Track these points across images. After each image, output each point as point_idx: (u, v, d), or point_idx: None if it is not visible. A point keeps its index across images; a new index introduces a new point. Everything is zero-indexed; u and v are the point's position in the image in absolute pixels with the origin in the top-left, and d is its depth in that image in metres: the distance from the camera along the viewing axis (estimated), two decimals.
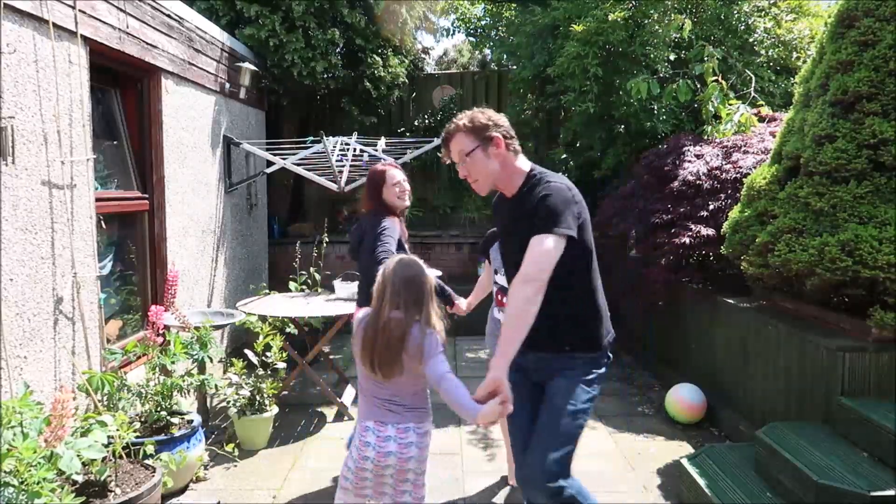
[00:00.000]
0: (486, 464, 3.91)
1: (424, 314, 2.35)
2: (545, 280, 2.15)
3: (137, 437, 3.15)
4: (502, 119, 2.43)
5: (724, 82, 5.49)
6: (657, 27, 6.02)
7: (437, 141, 6.31)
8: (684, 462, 3.48)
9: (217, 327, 4.39)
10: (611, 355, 2.50)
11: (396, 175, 3.52)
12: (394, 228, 3.39)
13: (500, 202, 2.57)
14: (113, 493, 2.82)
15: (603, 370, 2.47)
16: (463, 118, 2.42)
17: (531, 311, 2.14)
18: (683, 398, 4.56)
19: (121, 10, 4.00)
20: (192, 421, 3.59)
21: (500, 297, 3.45)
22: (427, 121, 8.90)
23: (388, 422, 2.38)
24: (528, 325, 2.14)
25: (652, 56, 6.05)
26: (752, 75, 5.90)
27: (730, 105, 5.41)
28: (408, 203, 3.58)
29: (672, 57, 6.09)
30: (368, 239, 3.37)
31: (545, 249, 2.17)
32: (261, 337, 4.24)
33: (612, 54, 6.19)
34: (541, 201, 2.26)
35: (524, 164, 2.44)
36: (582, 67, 6.05)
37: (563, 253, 2.19)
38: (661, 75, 5.90)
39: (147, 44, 4.33)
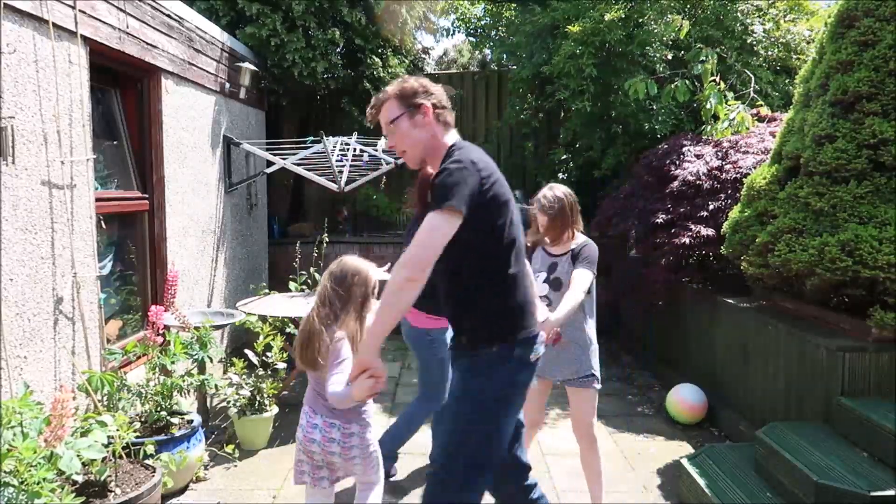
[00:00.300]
0: None
1: (343, 317, 2.41)
2: (424, 264, 1.96)
3: (137, 437, 3.15)
4: (435, 87, 2.24)
5: (722, 83, 5.50)
6: (654, 27, 6.02)
7: None
8: (684, 462, 3.48)
9: (217, 327, 4.39)
10: (529, 354, 2.25)
11: None
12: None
13: (422, 182, 2.48)
14: (113, 493, 2.82)
15: (513, 367, 2.22)
16: (393, 84, 2.25)
17: (403, 298, 1.98)
18: (684, 398, 4.56)
19: (121, 10, 4.00)
20: (192, 421, 3.59)
21: None
22: None
23: (318, 412, 2.49)
24: (400, 312, 2.02)
25: (649, 56, 6.05)
26: (751, 75, 5.90)
27: (728, 105, 5.41)
28: None
29: (670, 57, 6.10)
30: None
31: (427, 227, 1.98)
32: (261, 337, 4.24)
33: (609, 54, 6.20)
34: (437, 176, 2.07)
35: (451, 138, 2.24)
36: (577, 67, 6.06)
37: (469, 237, 2.03)
38: (659, 75, 5.89)
39: (147, 44, 4.33)
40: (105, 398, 3.29)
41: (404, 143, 2.23)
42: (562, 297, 2.94)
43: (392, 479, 3.70)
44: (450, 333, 3.33)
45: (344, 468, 2.56)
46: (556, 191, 3.12)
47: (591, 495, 3.20)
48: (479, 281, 2.20)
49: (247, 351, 4.29)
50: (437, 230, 1.97)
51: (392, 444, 3.64)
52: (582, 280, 2.94)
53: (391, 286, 1.98)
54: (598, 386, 3.11)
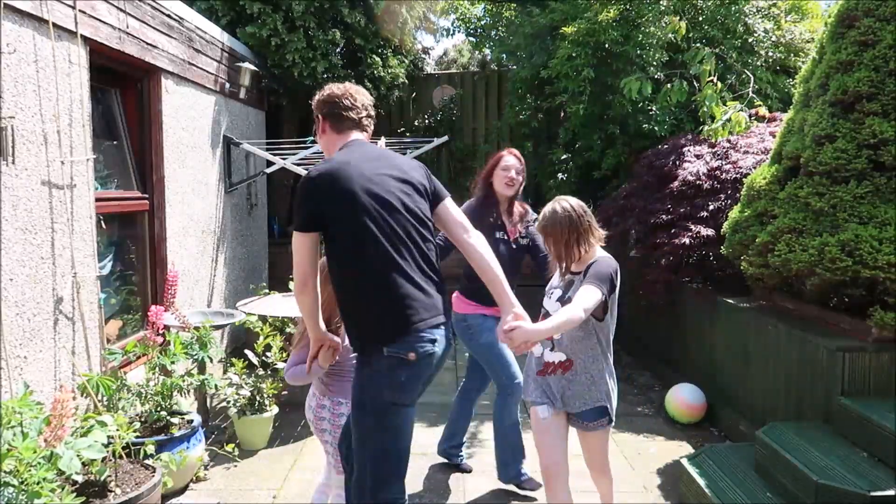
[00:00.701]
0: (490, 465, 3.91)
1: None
2: (301, 275, 2.29)
3: (137, 437, 3.14)
4: (335, 97, 2.41)
5: (720, 83, 5.49)
6: (652, 28, 6.02)
7: (437, 140, 6.32)
8: (684, 462, 3.48)
9: (217, 327, 4.39)
10: (404, 353, 2.19)
11: (509, 161, 3.45)
12: (469, 207, 3.36)
13: None
14: (113, 493, 2.82)
15: (391, 367, 2.18)
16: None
17: (301, 306, 2.36)
18: (683, 398, 4.56)
19: (121, 10, 4.00)
20: (192, 421, 3.59)
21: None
22: (427, 121, 8.90)
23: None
24: (304, 316, 2.38)
25: (646, 57, 6.05)
26: (750, 76, 5.90)
27: (724, 106, 5.41)
28: (510, 194, 3.43)
29: (666, 58, 6.10)
30: None
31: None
32: (261, 337, 4.24)
33: (606, 55, 6.20)
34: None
35: (341, 140, 2.44)
36: (574, 69, 6.06)
37: (331, 245, 2.25)
38: (656, 76, 5.90)
39: (147, 44, 4.33)
40: (105, 398, 3.29)
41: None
42: None
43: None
44: (489, 320, 3.29)
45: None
46: (556, 204, 2.69)
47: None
48: (340, 284, 2.31)
49: (247, 351, 4.29)
50: (296, 244, 2.31)
51: (510, 454, 3.54)
52: (584, 298, 2.47)
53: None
54: (609, 426, 2.72)
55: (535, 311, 2.68)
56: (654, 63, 6.01)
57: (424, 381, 2.30)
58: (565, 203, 2.69)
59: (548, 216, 2.67)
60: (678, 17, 5.81)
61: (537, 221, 2.77)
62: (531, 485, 3.52)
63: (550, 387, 2.69)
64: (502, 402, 3.47)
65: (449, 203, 2.42)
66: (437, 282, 2.31)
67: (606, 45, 6.06)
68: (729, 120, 4.95)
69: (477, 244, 2.37)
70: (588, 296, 2.48)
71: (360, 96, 2.45)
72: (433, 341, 2.23)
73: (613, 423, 2.75)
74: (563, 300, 2.64)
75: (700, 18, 6.28)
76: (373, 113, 2.50)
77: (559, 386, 2.67)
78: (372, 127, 2.50)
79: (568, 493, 2.69)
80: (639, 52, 6.06)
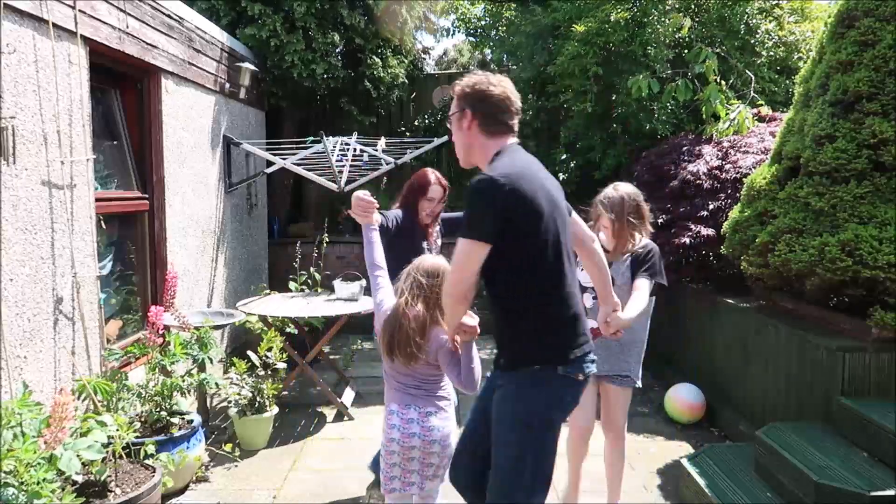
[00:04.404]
0: None
1: (433, 311, 2.42)
2: (467, 287, 2.06)
3: (137, 437, 3.15)
4: (491, 88, 2.16)
5: (723, 82, 5.49)
6: (658, 27, 6.02)
7: (437, 141, 6.31)
8: (684, 462, 3.48)
9: (217, 327, 4.39)
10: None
11: (434, 193, 3.34)
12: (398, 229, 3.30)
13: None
14: (113, 494, 2.82)
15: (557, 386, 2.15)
16: (465, 80, 2.23)
17: (456, 316, 2.24)
18: (683, 398, 4.56)
19: (121, 10, 4.00)
20: (192, 421, 3.59)
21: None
22: (427, 121, 8.89)
23: (410, 404, 2.47)
24: (453, 321, 2.26)
25: (652, 56, 6.05)
26: (752, 75, 5.90)
27: (729, 105, 5.41)
28: (428, 222, 3.40)
29: (672, 56, 6.10)
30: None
31: (457, 251, 2.04)
32: (263, 339, 4.24)
33: (612, 54, 6.20)
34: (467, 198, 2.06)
35: (496, 145, 2.19)
36: (581, 67, 6.06)
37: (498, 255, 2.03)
38: (661, 75, 5.89)
39: (147, 44, 4.32)
40: (104, 400, 3.29)
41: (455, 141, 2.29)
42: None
43: None
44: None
45: (419, 476, 2.51)
46: (619, 190, 2.94)
47: (608, 494, 3.16)
48: (511, 300, 2.15)
49: (249, 353, 4.29)
50: (462, 254, 2.03)
51: None
52: (645, 289, 2.84)
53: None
54: (637, 384, 3.10)
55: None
56: (661, 61, 6.00)
57: None
58: (628, 188, 2.96)
59: (615, 199, 2.91)
60: (682, 14, 5.82)
61: (599, 201, 2.96)
62: None
63: None
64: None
65: (576, 216, 2.42)
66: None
67: (611, 46, 6.06)
68: (734, 119, 4.96)
69: (599, 252, 2.52)
70: (649, 289, 2.87)
71: (516, 97, 2.24)
72: (593, 361, 2.23)
73: (638, 387, 3.10)
74: None
75: (704, 18, 6.27)
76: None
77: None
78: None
79: (580, 464, 3.13)
80: (645, 50, 6.05)
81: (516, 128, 2.24)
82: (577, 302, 2.19)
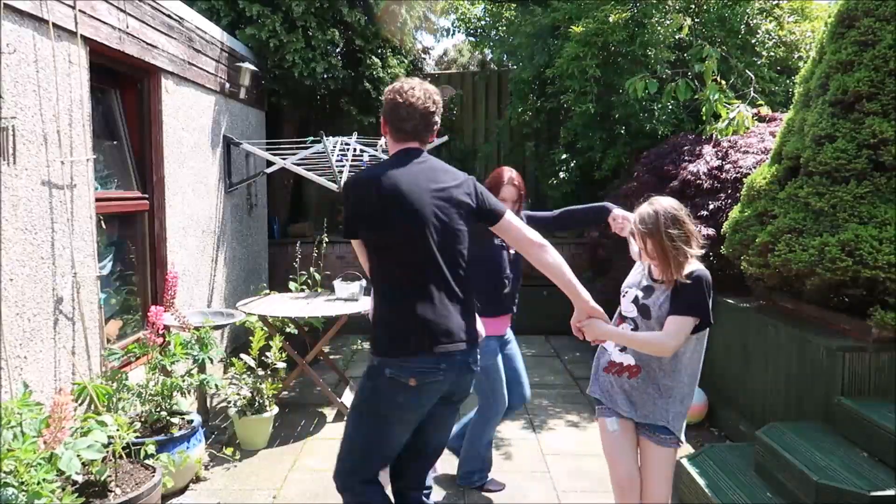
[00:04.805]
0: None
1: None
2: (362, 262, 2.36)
3: (137, 437, 3.15)
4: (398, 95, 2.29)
5: (723, 82, 5.49)
6: (658, 27, 6.02)
7: (437, 141, 6.31)
8: (684, 462, 3.48)
9: (217, 327, 4.39)
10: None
11: (507, 193, 3.30)
12: None
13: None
14: (113, 494, 2.82)
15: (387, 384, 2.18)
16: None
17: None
18: None
19: (121, 10, 4.00)
20: (192, 421, 3.59)
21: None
22: None
23: None
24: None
25: (651, 56, 6.05)
26: (752, 75, 5.91)
27: (729, 105, 5.41)
28: None
29: (672, 57, 6.10)
30: None
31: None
32: (255, 341, 4.23)
33: (611, 54, 6.20)
34: None
35: (394, 148, 2.38)
36: (581, 68, 6.06)
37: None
38: (661, 76, 5.90)
39: (147, 44, 4.33)
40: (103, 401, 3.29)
41: None
42: (647, 326, 2.44)
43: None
44: (491, 342, 3.24)
45: None
46: (654, 204, 2.43)
47: None
48: (374, 287, 2.31)
49: (242, 355, 4.28)
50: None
51: (479, 464, 3.57)
52: (677, 332, 2.33)
53: None
54: (676, 446, 2.56)
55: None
56: (661, 62, 6.00)
57: (433, 405, 2.26)
58: (665, 203, 2.44)
59: (649, 216, 2.40)
60: (681, 14, 5.82)
61: (634, 222, 2.46)
62: (495, 486, 3.61)
63: (613, 385, 2.53)
64: (483, 424, 3.46)
65: (513, 220, 2.34)
66: (463, 303, 2.25)
67: (611, 46, 6.06)
68: (733, 119, 4.95)
69: (550, 254, 2.31)
70: (681, 329, 2.33)
71: (425, 104, 2.29)
72: (440, 370, 2.17)
73: (681, 446, 2.58)
74: (639, 305, 2.49)
75: (704, 18, 6.27)
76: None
77: (621, 388, 2.51)
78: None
79: None
80: (645, 51, 6.05)
81: (424, 134, 2.31)
82: (429, 307, 2.16)
